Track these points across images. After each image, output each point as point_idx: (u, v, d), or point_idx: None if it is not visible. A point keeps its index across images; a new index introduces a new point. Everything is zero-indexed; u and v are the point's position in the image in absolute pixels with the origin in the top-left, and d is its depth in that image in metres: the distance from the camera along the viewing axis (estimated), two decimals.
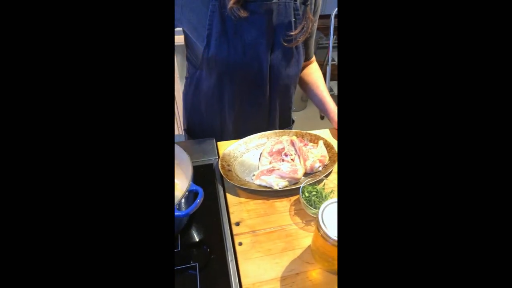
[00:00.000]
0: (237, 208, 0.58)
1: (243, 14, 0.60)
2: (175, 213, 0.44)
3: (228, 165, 0.66)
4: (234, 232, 0.54)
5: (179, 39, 1.45)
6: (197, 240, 0.53)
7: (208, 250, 0.51)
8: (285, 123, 0.86)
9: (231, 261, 0.49)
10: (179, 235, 0.53)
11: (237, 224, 0.55)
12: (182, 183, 0.59)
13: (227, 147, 0.69)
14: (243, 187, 0.60)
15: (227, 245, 0.52)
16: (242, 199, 0.60)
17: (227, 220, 0.56)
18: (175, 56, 1.48)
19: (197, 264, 0.49)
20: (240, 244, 0.52)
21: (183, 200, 0.48)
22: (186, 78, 0.78)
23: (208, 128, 0.79)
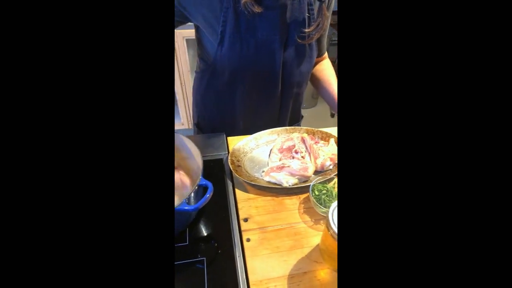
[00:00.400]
0: (246, 204, 0.58)
1: (257, 9, 0.59)
2: (185, 207, 0.44)
3: (238, 161, 0.66)
4: (242, 228, 0.54)
5: (191, 33, 1.45)
6: (206, 234, 0.53)
7: (216, 245, 0.51)
8: (295, 119, 0.86)
9: (238, 257, 0.49)
10: (187, 229, 0.53)
11: (246, 220, 0.55)
12: (192, 177, 0.59)
13: (237, 143, 0.69)
14: (252, 183, 0.60)
15: (235, 240, 0.51)
16: (251, 195, 0.60)
17: (236, 216, 0.56)
18: (186, 50, 1.48)
19: (204, 258, 0.49)
20: (248, 240, 0.52)
21: (192, 195, 0.48)
22: (197, 73, 0.77)
23: (219, 123, 0.79)
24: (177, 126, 1.72)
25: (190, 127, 1.75)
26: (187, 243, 0.51)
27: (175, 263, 0.48)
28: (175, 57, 1.49)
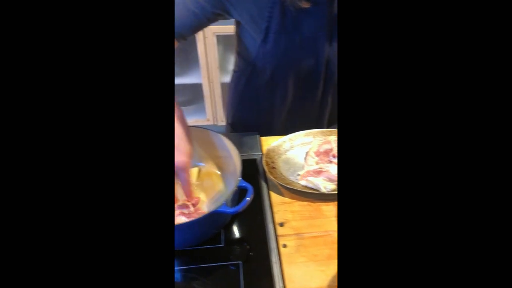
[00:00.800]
0: (281, 208, 0.56)
1: (304, 5, 0.56)
2: (226, 210, 0.43)
3: (273, 162, 0.64)
4: (278, 233, 0.52)
5: (221, 29, 1.44)
6: (241, 237, 0.52)
7: (251, 248, 0.50)
8: (333, 120, 0.83)
9: (275, 263, 0.47)
10: (222, 230, 0.52)
11: (281, 224, 0.53)
12: (229, 178, 0.58)
13: (271, 143, 0.67)
14: (288, 186, 0.58)
15: (271, 245, 0.50)
16: (286, 199, 0.58)
17: (271, 220, 0.54)
18: (216, 46, 1.48)
19: (240, 262, 0.48)
20: (285, 246, 0.50)
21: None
22: (235, 71, 0.76)
23: (255, 123, 0.77)
24: (202, 122, 1.73)
25: (215, 123, 1.75)
26: (223, 245, 0.50)
27: (210, 264, 0.47)
28: (205, 53, 1.49)
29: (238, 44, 0.71)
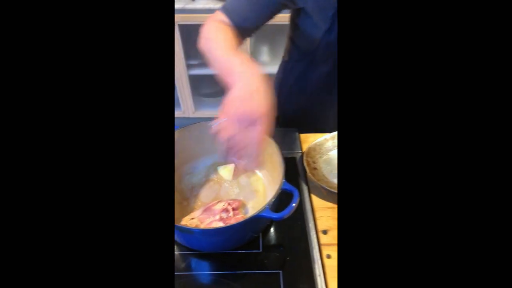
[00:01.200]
0: (324, 213, 0.51)
1: None
2: (269, 215, 0.39)
3: (314, 162, 0.59)
4: (321, 241, 0.47)
5: None
6: (280, 244, 0.48)
7: (291, 257, 0.45)
8: None
9: (318, 275, 0.43)
10: (260, 235, 0.48)
11: (325, 232, 0.49)
12: (268, 178, 0.53)
13: (312, 141, 0.62)
14: (332, 190, 0.53)
15: (314, 256, 0.45)
16: (329, 204, 0.53)
17: (313, 226, 0.49)
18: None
19: (280, 271, 0.43)
20: (329, 257, 0.45)
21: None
22: (286, 62, 0.71)
23: (304, 118, 0.72)
24: None
25: None
26: (261, 250, 0.46)
27: (248, 271, 0.44)
28: None
29: (294, 33, 0.65)
